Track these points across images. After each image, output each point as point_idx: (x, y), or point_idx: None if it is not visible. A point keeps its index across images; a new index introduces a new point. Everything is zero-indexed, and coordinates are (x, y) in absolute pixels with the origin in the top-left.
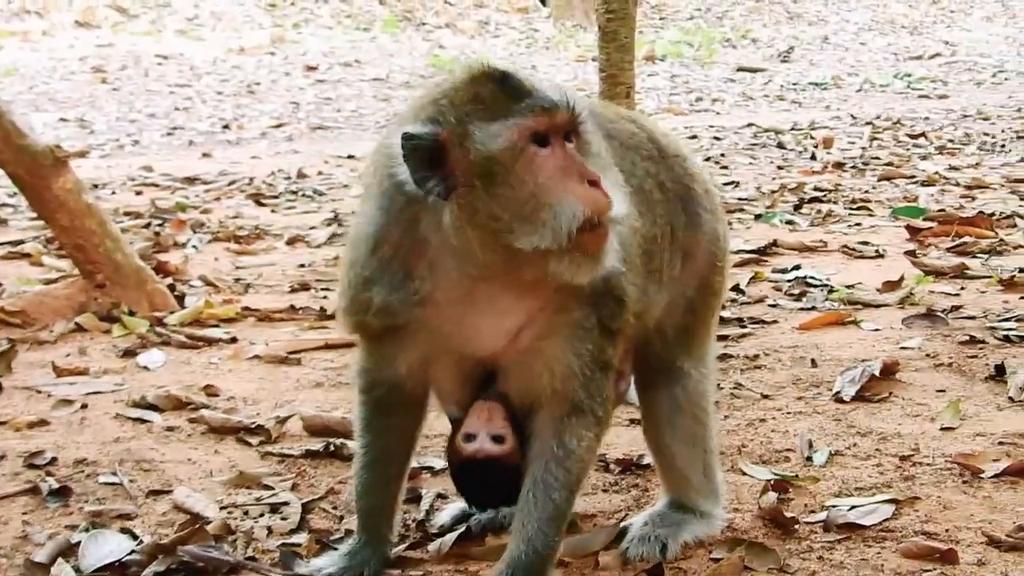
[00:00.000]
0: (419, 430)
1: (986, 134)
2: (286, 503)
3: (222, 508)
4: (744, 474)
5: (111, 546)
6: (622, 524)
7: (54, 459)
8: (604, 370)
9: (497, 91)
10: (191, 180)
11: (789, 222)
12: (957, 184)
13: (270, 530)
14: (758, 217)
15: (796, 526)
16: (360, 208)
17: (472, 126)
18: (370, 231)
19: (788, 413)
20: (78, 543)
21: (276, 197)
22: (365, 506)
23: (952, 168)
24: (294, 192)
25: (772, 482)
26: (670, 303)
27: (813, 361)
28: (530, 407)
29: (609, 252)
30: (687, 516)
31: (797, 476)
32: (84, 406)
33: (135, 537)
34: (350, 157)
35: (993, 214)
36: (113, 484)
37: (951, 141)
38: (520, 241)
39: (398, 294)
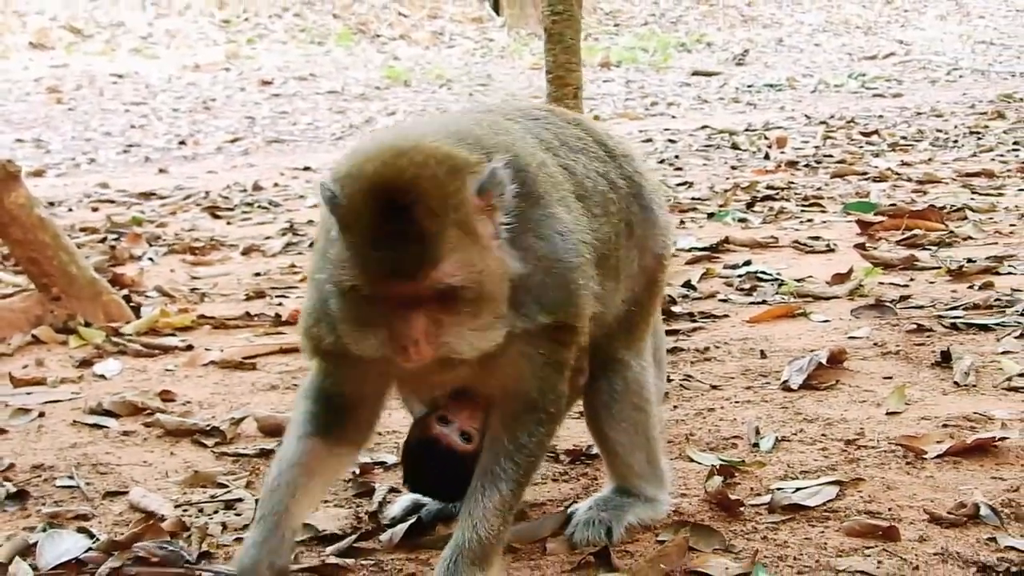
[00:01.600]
0: (347, 462)
1: (939, 130)
2: (240, 500)
3: (177, 506)
4: (692, 461)
5: (68, 545)
6: (568, 511)
7: (11, 465)
8: (558, 370)
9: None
10: (147, 195)
11: (741, 220)
12: (909, 179)
13: (224, 526)
14: (711, 216)
15: (741, 508)
16: (315, 241)
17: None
18: (318, 277)
19: (736, 402)
20: (35, 543)
21: (232, 209)
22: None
23: (904, 164)
24: (250, 204)
25: (718, 467)
26: (620, 299)
27: (762, 352)
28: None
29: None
30: (632, 500)
31: (743, 461)
32: (41, 414)
33: (92, 536)
34: (306, 169)
35: (944, 207)
36: (70, 487)
37: (904, 138)
38: None
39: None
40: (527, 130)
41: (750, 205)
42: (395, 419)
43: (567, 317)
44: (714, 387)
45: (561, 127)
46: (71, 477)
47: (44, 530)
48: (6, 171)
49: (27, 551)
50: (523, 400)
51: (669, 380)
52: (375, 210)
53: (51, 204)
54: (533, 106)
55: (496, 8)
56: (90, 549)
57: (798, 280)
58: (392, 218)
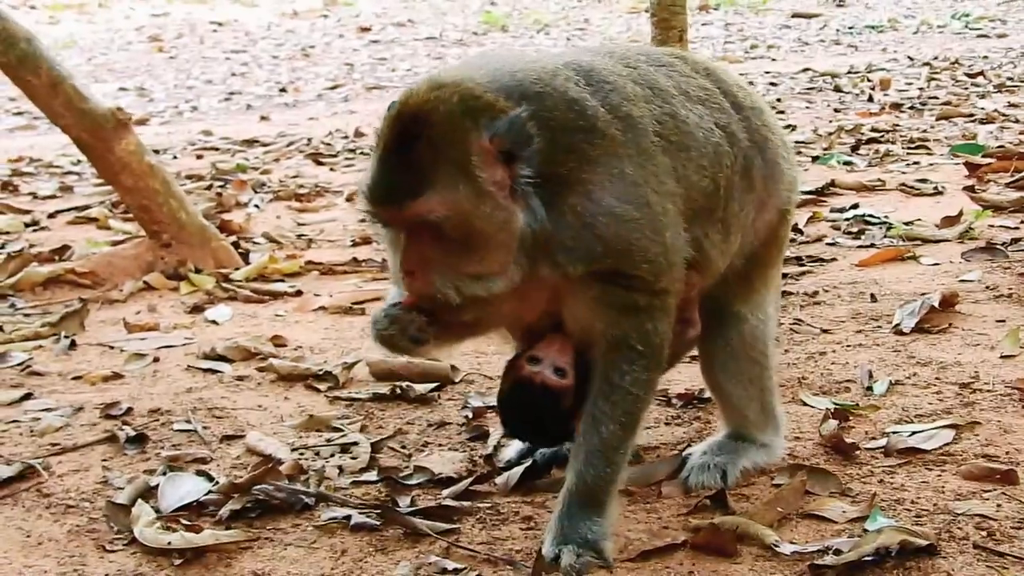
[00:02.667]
0: None
1: None
2: (355, 443)
3: (293, 450)
4: (805, 405)
5: (188, 487)
6: (683, 454)
7: (130, 409)
8: (640, 313)
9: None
10: (250, 143)
11: (847, 163)
12: (1016, 121)
13: (341, 469)
14: (815, 159)
15: (857, 452)
16: None
17: None
18: None
19: (848, 346)
20: (156, 486)
21: (334, 156)
22: None
23: (1011, 105)
24: (352, 151)
25: (832, 411)
26: (738, 252)
27: (872, 296)
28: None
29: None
30: (747, 445)
31: (857, 405)
32: (156, 359)
33: (211, 479)
34: None
35: None
36: (187, 431)
37: (1010, 79)
38: None
39: None
40: (640, 77)
41: (855, 148)
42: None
43: (621, 266)
44: (825, 331)
45: (687, 76)
46: (188, 421)
47: (164, 473)
48: (116, 119)
49: (148, 493)
50: (608, 342)
51: (780, 324)
52: (389, 137)
53: (156, 152)
54: (664, 52)
55: None
56: (210, 492)
57: (906, 223)
58: (399, 146)
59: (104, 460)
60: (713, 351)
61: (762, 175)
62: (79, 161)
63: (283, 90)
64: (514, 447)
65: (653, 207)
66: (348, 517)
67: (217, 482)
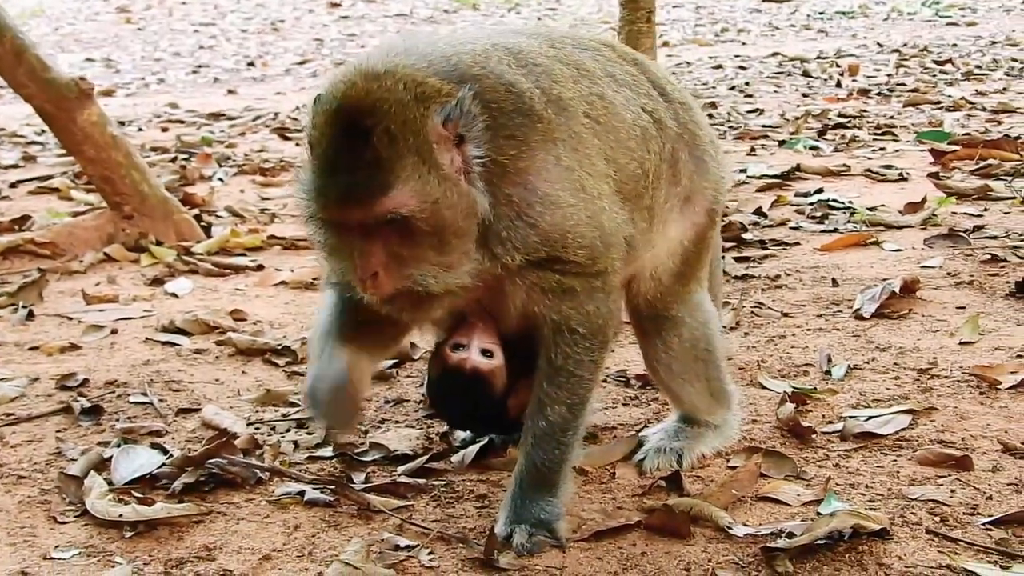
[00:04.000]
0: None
1: (1014, 60)
2: (312, 419)
3: (249, 424)
4: (763, 388)
5: (142, 460)
6: (640, 436)
7: (86, 381)
8: (578, 296)
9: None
10: (216, 116)
11: (813, 148)
12: (983, 109)
13: (296, 444)
14: (782, 143)
15: (813, 436)
16: None
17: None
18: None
19: (808, 330)
20: (110, 458)
21: (301, 131)
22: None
23: (978, 93)
24: None
25: (790, 394)
26: (666, 251)
27: (834, 280)
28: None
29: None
30: (702, 430)
31: (815, 389)
32: (114, 331)
33: (165, 452)
34: None
35: (1019, 137)
36: (143, 403)
37: (978, 67)
38: None
39: None
40: (566, 57)
41: (822, 133)
42: None
43: (555, 251)
44: (785, 314)
45: (614, 61)
46: (144, 394)
47: (118, 445)
48: (79, 89)
49: (102, 465)
50: (550, 325)
51: (742, 307)
52: (334, 134)
53: (121, 124)
54: (590, 38)
55: None
56: (164, 464)
57: (870, 209)
58: (350, 143)
59: (58, 431)
60: (656, 355)
61: (689, 170)
62: (43, 131)
63: (251, 64)
64: None
65: (588, 191)
66: (302, 492)
67: (171, 455)
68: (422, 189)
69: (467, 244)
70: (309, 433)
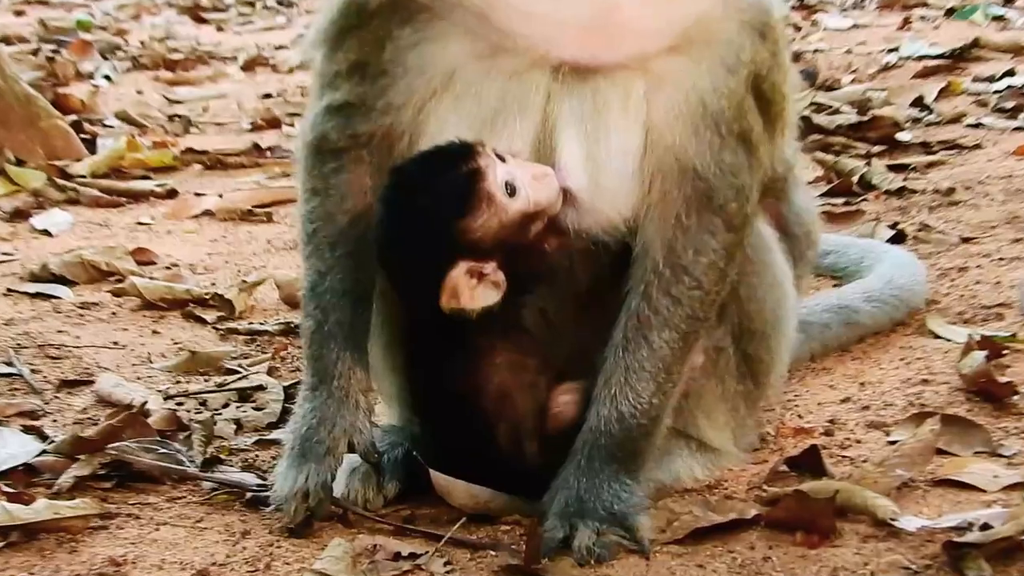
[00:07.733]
0: None
1: None
2: (260, 388)
3: (168, 399)
4: (936, 337)
5: (12, 448)
6: None
7: None
8: (741, 148)
9: None
10: None
11: (997, 17)
12: None
13: (239, 424)
14: (950, 12)
15: (1014, 398)
16: None
17: None
18: None
19: (999, 259)
20: None
21: (223, 10)
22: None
23: None
24: (250, 3)
25: (978, 342)
26: None
27: None
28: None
29: None
30: None
31: (1014, 336)
32: None
33: (44, 437)
34: None
35: None
36: (9, 375)
37: None
38: None
39: None
40: None
41: None
42: None
43: None
44: (966, 240)
45: None
46: (10, 363)
47: None
48: None
49: None
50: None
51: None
52: None
53: None
54: None
55: None
56: (44, 452)
57: None
58: None
59: None
60: None
61: None
62: None
63: None
64: None
65: None
66: (249, 488)
67: (52, 441)
68: None
69: None
70: (257, 409)
